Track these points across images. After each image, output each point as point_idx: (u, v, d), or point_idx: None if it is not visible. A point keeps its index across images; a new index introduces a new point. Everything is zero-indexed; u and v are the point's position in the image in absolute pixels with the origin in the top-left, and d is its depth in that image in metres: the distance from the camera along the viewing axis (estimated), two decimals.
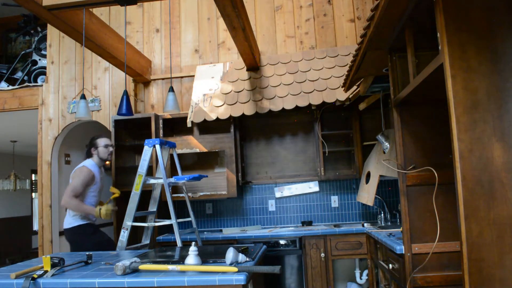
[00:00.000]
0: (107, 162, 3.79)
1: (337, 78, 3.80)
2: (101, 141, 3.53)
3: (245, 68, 4.08)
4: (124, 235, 3.11)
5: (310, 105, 3.70)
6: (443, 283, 2.16)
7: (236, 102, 3.86)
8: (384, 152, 3.32)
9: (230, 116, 3.84)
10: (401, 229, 2.47)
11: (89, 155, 3.52)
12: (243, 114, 3.76)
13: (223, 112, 3.81)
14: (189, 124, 3.85)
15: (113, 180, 4.09)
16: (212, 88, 4.03)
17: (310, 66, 3.97)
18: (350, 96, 3.59)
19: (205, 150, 3.93)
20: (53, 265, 2.09)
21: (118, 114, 2.82)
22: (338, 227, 3.69)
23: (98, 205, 3.45)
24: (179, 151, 3.93)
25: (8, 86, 4.71)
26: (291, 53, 4.19)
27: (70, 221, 3.36)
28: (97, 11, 4.33)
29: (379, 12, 1.88)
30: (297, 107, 3.70)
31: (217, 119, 3.79)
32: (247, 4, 4.01)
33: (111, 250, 3.18)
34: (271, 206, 4.19)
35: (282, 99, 3.78)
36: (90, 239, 3.33)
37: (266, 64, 4.09)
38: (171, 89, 2.83)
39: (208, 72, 4.19)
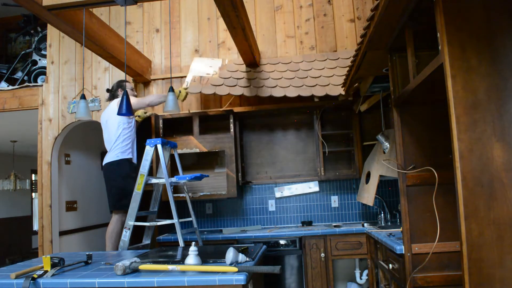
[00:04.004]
0: None
1: (339, 77, 3.75)
2: (128, 85, 3.74)
3: (245, 65, 4.02)
4: (126, 235, 3.12)
5: (312, 100, 3.62)
6: (443, 283, 2.17)
7: (235, 85, 3.75)
8: (384, 152, 3.32)
9: (230, 115, 3.82)
10: (401, 229, 2.47)
11: (114, 97, 3.67)
12: (243, 112, 3.71)
13: (221, 89, 3.67)
14: (183, 98, 3.70)
15: None
16: (209, 73, 3.90)
17: (312, 66, 3.93)
18: (351, 91, 3.54)
19: (205, 150, 3.93)
20: (53, 265, 2.08)
21: (118, 114, 2.81)
22: (338, 227, 3.69)
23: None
24: (179, 151, 3.92)
25: (8, 86, 4.70)
26: (291, 56, 4.15)
27: (117, 154, 3.43)
28: (97, 11, 4.32)
29: (379, 12, 1.88)
30: (299, 97, 3.61)
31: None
32: (247, 4, 4.00)
33: (128, 201, 3.21)
34: (271, 206, 4.19)
35: (284, 88, 3.68)
36: (121, 179, 3.43)
37: (266, 64, 4.07)
38: (171, 89, 2.83)
39: (206, 62, 4.06)
